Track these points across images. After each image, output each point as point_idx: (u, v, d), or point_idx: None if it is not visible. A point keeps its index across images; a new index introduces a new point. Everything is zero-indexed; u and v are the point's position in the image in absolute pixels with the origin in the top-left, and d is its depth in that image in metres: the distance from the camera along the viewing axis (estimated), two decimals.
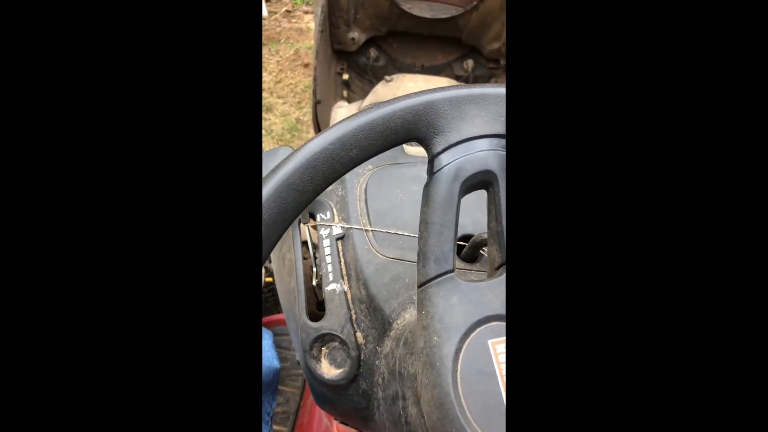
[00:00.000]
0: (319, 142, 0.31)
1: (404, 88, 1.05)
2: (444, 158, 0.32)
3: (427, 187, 0.33)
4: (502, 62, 1.28)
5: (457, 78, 1.32)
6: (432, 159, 0.33)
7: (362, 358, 0.42)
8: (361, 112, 0.32)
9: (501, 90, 0.33)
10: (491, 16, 1.17)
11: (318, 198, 0.49)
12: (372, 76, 1.34)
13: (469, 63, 1.31)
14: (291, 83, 2.06)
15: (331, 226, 0.47)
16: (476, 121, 0.32)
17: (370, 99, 1.07)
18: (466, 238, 0.45)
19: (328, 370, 0.43)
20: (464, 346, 0.29)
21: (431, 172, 0.33)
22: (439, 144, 0.32)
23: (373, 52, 1.32)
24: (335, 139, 0.31)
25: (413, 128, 0.32)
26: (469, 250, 0.43)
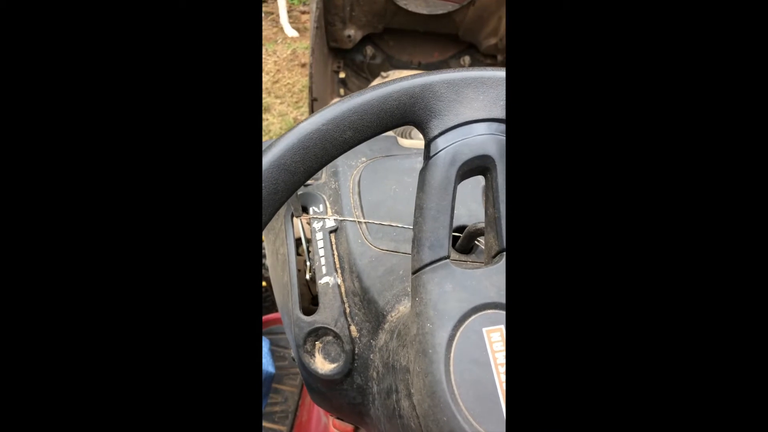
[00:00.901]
0: (312, 123, 0.30)
1: None
2: (441, 142, 0.31)
3: (423, 172, 0.32)
4: (500, 58, 1.27)
5: None
6: (428, 143, 0.32)
7: (356, 352, 0.41)
8: (356, 93, 0.32)
9: (500, 73, 0.32)
10: (487, 12, 1.16)
11: (311, 191, 0.48)
12: (368, 74, 1.34)
13: (466, 59, 1.30)
14: (288, 83, 2.05)
15: (324, 219, 0.46)
16: (474, 104, 0.32)
17: None
18: (461, 228, 0.44)
19: (323, 365, 0.42)
20: (458, 334, 0.28)
21: (427, 156, 0.32)
22: (435, 127, 0.32)
23: (369, 50, 1.32)
24: (329, 120, 0.30)
25: (409, 111, 0.32)
26: (463, 241, 0.42)
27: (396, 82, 0.31)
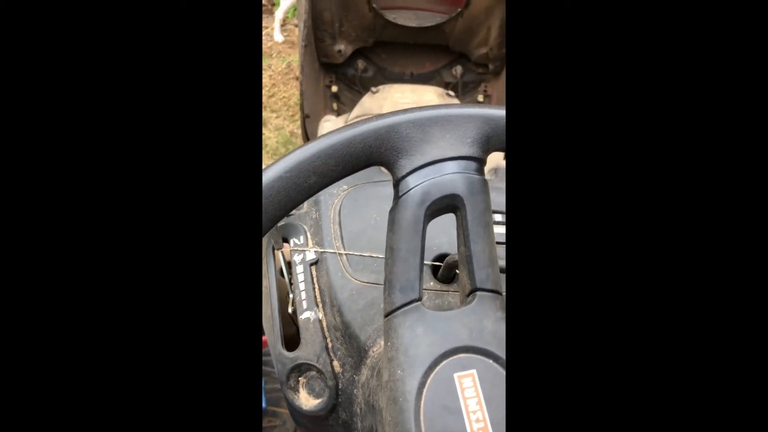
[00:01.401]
0: (274, 171, 0.30)
1: (391, 99, 1.04)
2: (409, 182, 0.31)
3: (393, 211, 0.32)
4: (491, 67, 1.27)
5: (447, 85, 1.31)
6: (397, 183, 0.32)
7: (340, 387, 0.41)
8: (321, 137, 0.31)
9: (466, 111, 0.32)
10: (476, 22, 1.16)
11: (292, 222, 0.48)
12: (361, 87, 1.34)
13: (458, 69, 1.30)
14: (284, 97, 2.06)
15: (304, 251, 0.45)
16: (441, 143, 0.31)
17: (356, 111, 1.06)
18: (443, 257, 0.44)
19: (307, 401, 0.42)
20: (428, 381, 0.28)
21: (397, 195, 0.32)
22: (403, 167, 0.31)
23: (361, 63, 1.31)
24: (292, 167, 0.30)
25: (376, 152, 0.31)
26: (444, 272, 0.42)
27: (360, 124, 0.31)
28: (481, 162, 0.32)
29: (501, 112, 0.32)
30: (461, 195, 0.31)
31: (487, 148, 0.32)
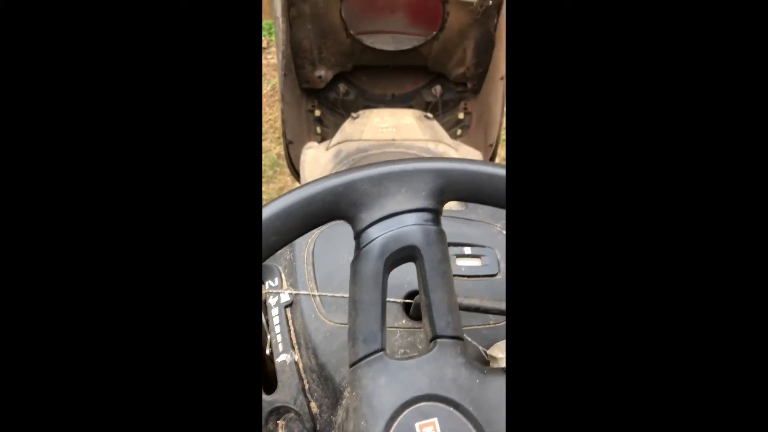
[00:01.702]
0: None
1: (371, 124, 1.06)
2: (369, 234, 0.33)
3: (354, 264, 0.33)
4: (470, 85, 1.29)
5: (427, 105, 1.33)
6: (357, 235, 0.33)
7: (318, 428, 0.42)
8: (280, 197, 0.33)
9: (419, 165, 0.34)
10: (452, 44, 1.18)
11: (266, 264, 0.49)
12: (343, 110, 1.35)
13: (437, 89, 1.32)
14: (270, 119, 2.08)
15: (279, 293, 0.46)
16: (398, 197, 0.33)
17: (338, 137, 1.08)
18: (414, 294, 0.45)
19: None
20: (391, 431, 0.29)
21: (358, 248, 0.33)
22: (363, 220, 0.33)
23: (342, 87, 1.33)
24: None
25: (335, 208, 0.33)
26: (415, 310, 0.43)
27: (318, 182, 0.32)
28: (436, 213, 0.33)
29: (453, 165, 0.33)
30: (419, 246, 0.32)
31: (442, 199, 0.33)
